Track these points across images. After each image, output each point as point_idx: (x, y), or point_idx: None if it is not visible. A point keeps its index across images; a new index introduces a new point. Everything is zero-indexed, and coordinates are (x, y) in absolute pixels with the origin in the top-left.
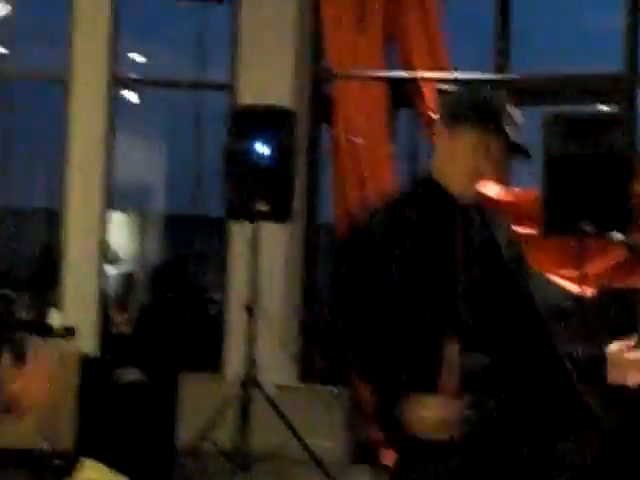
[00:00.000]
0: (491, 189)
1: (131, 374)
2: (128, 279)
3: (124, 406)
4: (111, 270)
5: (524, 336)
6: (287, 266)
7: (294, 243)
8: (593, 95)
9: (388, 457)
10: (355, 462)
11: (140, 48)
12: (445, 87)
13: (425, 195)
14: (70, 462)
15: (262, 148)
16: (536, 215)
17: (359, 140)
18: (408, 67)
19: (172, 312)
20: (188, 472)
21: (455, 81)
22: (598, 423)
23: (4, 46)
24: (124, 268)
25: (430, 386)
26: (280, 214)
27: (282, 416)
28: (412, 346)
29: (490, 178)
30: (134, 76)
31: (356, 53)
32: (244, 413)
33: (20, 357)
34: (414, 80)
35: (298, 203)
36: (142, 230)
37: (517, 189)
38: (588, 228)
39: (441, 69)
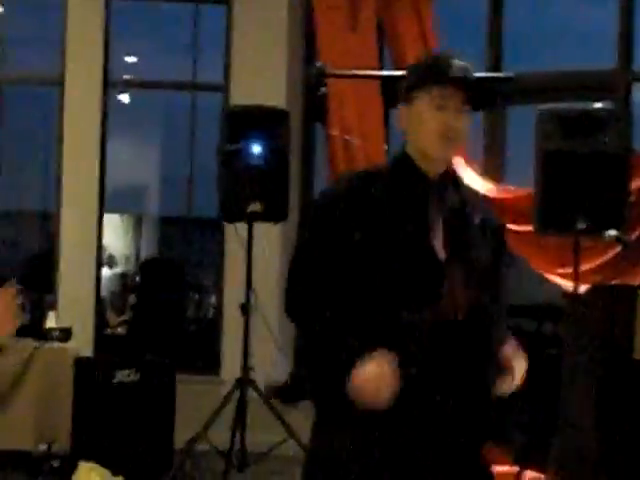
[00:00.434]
0: (485, 187)
1: (128, 375)
2: (123, 280)
3: (120, 407)
4: (106, 272)
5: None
6: (282, 266)
7: (289, 243)
8: (587, 92)
9: None
10: None
11: (133, 50)
12: None
13: (394, 169)
14: (67, 464)
15: (256, 149)
16: (530, 212)
17: (353, 139)
18: (402, 66)
19: (167, 313)
20: (185, 472)
21: (440, 56)
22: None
23: None
24: (119, 270)
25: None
26: (275, 215)
27: (278, 416)
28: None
29: (460, 135)
30: (127, 78)
31: (349, 52)
32: (240, 413)
33: None
34: None
35: (292, 203)
36: (137, 232)
37: (511, 187)
38: (582, 225)
39: None
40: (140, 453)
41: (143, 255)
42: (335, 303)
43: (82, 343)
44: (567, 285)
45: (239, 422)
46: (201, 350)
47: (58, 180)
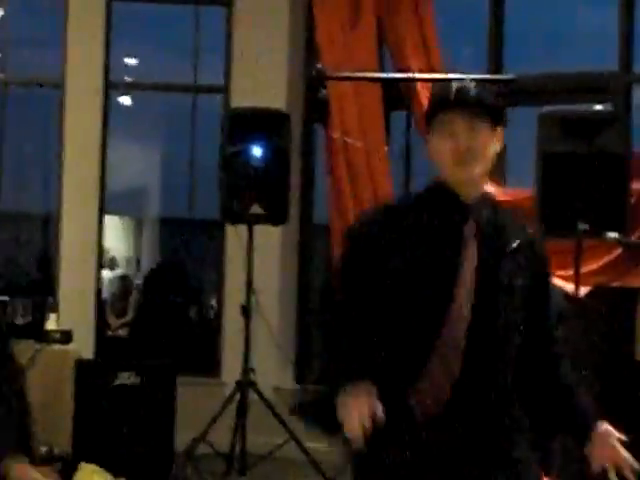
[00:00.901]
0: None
1: (129, 378)
2: (124, 282)
3: (121, 410)
4: (107, 274)
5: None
6: (282, 268)
7: (289, 245)
8: (588, 94)
9: None
10: (350, 462)
11: (134, 52)
12: None
13: (428, 195)
14: (68, 466)
15: (257, 151)
16: (531, 214)
17: (354, 141)
18: (402, 68)
19: (168, 315)
20: (185, 475)
21: (449, 82)
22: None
23: None
24: (120, 272)
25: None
26: (275, 217)
27: (279, 418)
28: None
29: (474, 153)
30: (128, 80)
31: (349, 55)
32: (241, 415)
33: None
34: (408, 81)
35: (293, 205)
36: (138, 234)
37: (512, 189)
38: (583, 227)
39: (435, 70)
40: (141, 455)
41: (144, 257)
42: (361, 325)
43: (83, 345)
44: (568, 287)
45: (240, 424)
46: (202, 352)
47: (59, 182)
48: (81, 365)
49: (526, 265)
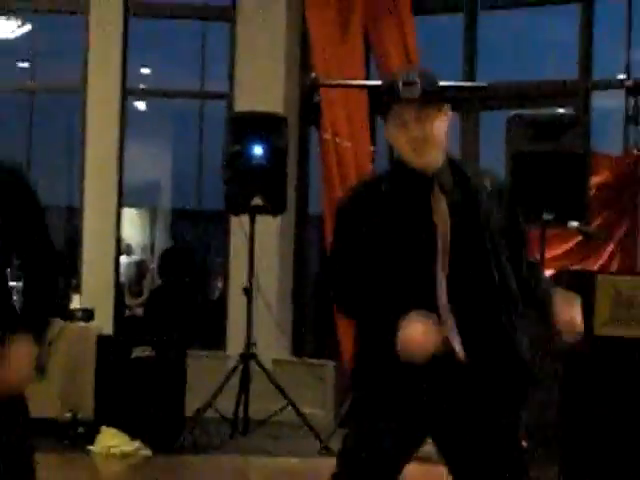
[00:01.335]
0: None
1: (144, 351)
2: (139, 267)
3: (137, 380)
4: (124, 259)
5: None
6: (280, 254)
7: (286, 233)
8: (551, 99)
9: None
10: (342, 426)
11: (147, 62)
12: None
13: (394, 173)
14: (91, 430)
15: (257, 150)
16: None
17: (344, 142)
18: (386, 75)
19: (180, 296)
20: (194, 437)
21: (396, 76)
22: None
23: (25, 61)
24: (136, 257)
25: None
26: (274, 208)
27: (278, 387)
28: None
29: (430, 140)
30: (142, 87)
31: (340, 65)
32: (244, 384)
33: None
34: None
35: (290, 197)
36: (151, 223)
37: None
38: (548, 217)
39: None
40: (155, 420)
41: (157, 244)
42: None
43: (103, 323)
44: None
45: (243, 392)
46: (209, 328)
47: (82, 178)
48: (102, 340)
49: (498, 207)
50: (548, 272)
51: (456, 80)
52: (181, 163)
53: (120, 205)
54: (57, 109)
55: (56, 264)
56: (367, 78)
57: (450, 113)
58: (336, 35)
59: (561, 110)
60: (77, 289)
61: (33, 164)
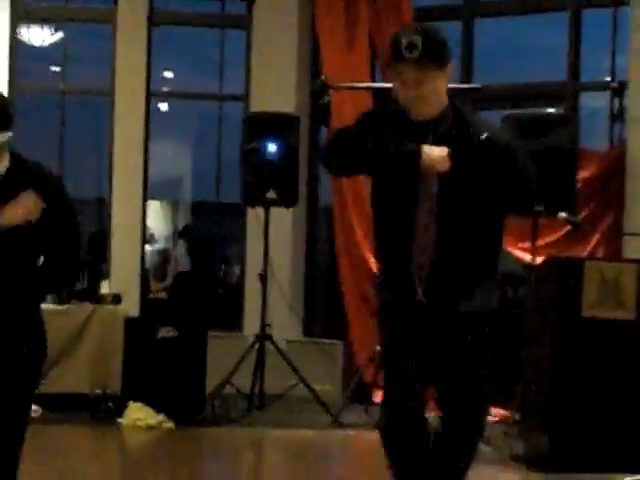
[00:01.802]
0: None
1: (168, 332)
2: (163, 255)
3: (162, 358)
4: (149, 248)
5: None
6: (293, 243)
7: (298, 224)
8: (542, 100)
9: (378, 397)
10: (351, 401)
11: (170, 66)
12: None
13: (397, 112)
14: (119, 404)
15: (271, 147)
16: None
17: None
18: (389, 79)
19: (200, 281)
20: (214, 410)
21: (400, 36)
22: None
23: (57, 66)
24: (159, 246)
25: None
26: (287, 200)
27: (290, 365)
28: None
29: (425, 97)
30: (165, 89)
31: (347, 68)
32: (259, 363)
33: None
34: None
35: (301, 191)
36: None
37: None
38: (539, 208)
39: None
40: (178, 395)
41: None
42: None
43: (130, 306)
44: (526, 257)
45: (258, 370)
46: (227, 311)
47: (110, 174)
48: (129, 322)
49: (490, 154)
50: (539, 259)
51: (454, 82)
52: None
53: (145, 198)
54: (87, 110)
55: (78, 252)
56: (372, 81)
57: (451, 69)
58: (343, 41)
59: (551, 110)
60: (106, 275)
61: (65, 161)
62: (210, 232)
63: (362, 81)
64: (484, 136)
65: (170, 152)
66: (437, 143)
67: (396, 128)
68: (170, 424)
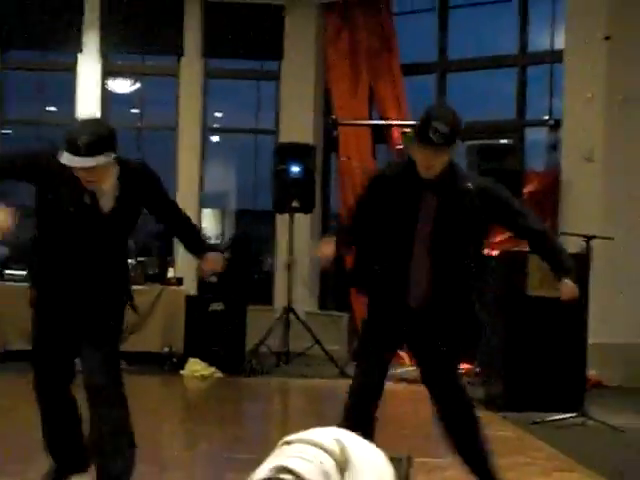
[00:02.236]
0: None
1: (218, 306)
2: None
3: (213, 326)
4: None
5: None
6: (311, 240)
7: (315, 225)
8: (496, 133)
9: None
10: (353, 358)
11: (220, 107)
12: (406, 130)
13: (408, 167)
14: (181, 360)
15: (295, 168)
16: None
17: (354, 163)
18: (384, 117)
19: (242, 268)
20: (252, 365)
21: (411, 126)
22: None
23: (136, 108)
24: (212, 244)
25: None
26: (306, 208)
27: (309, 330)
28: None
29: (436, 165)
30: (216, 126)
31: (352, 109)
32: (286, 329)
33: None
34: (387, 126)
35: (317, 201)
36: (222, 220)
37: None
38: None
39: (404, 119)
40: (225, 353)
41: (226, 234)
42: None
43: (190, 287)
44: (485, 251)
45: (285, 334)
46: (262, 290)
47: (175, 189)
48: (189, 299)
49: (481, 201)
50: (495, 252)
51: None
52: (242, 178)
53: (201, 207)
54: (158, 142)
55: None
56: (370, 118)
57: (455, 146)
58: (349, 89)
59: (503, 141)
60: (172, 264)
61: None
62: (249, 232)
63: (363, 119)
64: (469, 185)
65: (220, 172)
66: (436, 194)
67: (403, 183)
68: (219, 374)
